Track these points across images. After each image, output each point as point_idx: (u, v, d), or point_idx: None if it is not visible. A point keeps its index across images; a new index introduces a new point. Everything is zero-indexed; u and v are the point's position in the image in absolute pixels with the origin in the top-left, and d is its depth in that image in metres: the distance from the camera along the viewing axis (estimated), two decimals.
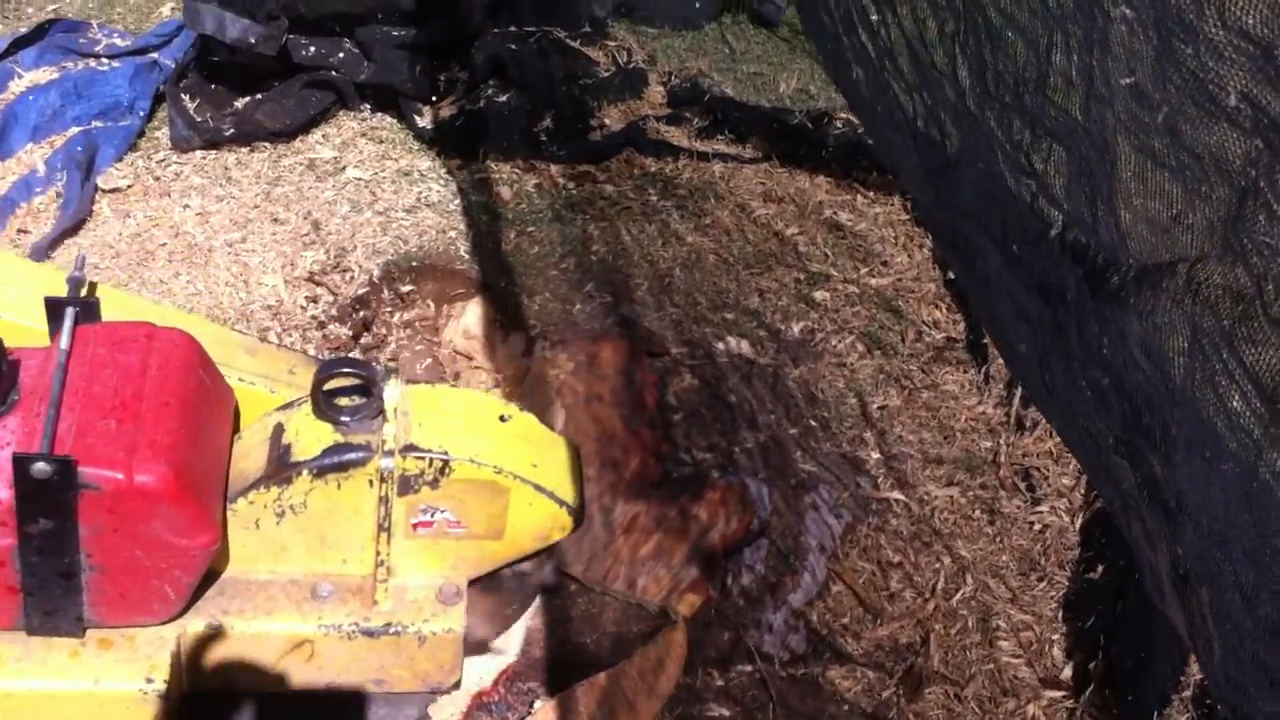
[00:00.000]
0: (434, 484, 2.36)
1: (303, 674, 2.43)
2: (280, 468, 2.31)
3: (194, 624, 2.33)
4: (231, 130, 4.42)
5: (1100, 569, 3.29)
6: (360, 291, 3.88)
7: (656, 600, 3.13)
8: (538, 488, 2.44)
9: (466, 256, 4.10)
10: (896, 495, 3.51)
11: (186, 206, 4.16)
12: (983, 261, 2.18)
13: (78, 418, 2.11)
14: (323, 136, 4.56)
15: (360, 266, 3.97)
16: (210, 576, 2.37)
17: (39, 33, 4.75)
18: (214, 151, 4.41)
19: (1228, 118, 1.30)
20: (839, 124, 4.88)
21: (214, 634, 2.34)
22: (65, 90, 4.44)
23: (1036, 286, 1.91)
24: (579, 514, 2.53)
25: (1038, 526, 3.47)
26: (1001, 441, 3.69)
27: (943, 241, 2.51)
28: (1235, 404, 1.36)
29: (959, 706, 3.04)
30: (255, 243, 4.03)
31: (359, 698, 2.52)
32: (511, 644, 2.93)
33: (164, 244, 3.99)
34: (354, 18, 4.46)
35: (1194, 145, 1.37)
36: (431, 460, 2.34)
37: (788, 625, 3.16)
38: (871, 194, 4.59)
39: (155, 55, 4.63)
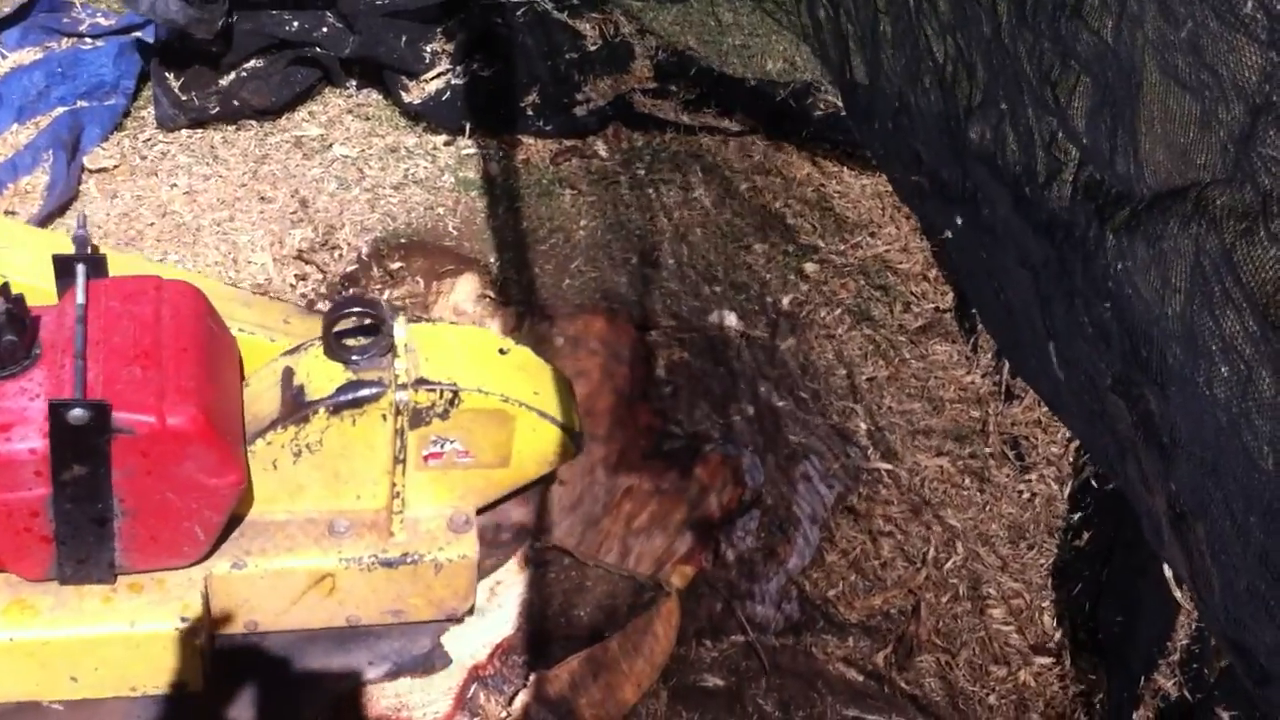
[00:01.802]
0: (444, 415, 2.42)
1: (324, 609, 2.50)
2: (296, 407, 2.36)
3: (219, 565, 2.38)
4: (217, 109, 4.40)
5: (1086, 535, 3.32)
6: (349, 269, 3.89)
7: (650, 572, 3.15)
8: (541, 414, 2.51)
9: (455, 233, 4.10)
10: (887, 465, 3.53)
11: (174, 185, 4.15)
12: (990, 210, 2.22)
13: (103, 367, 2.14)
14: (309, 114, 4.55)
15: (349, 244, 3.98)
16: (232, 521, 2.42)
17: (22, 13, 4.72)
18: (200, 130, 4.40)
19: (1245, 29, 1.33)
20: (825, 97, 4.88)
21: (238, 574, 2.39)
22: (50, 70, 4.42)
23: (1045, 227, 1.95)
24: (579, 439, 2.61)
25: (1027, 495, 3.50)
26: (990, 411, 3.71)
27: (946, 198, 2.54)
28: (1230, 324, 1.39)
29: (950, 674, 3.07)
30: (243, 221, 4.03)
31: (375, 632, 2.61)
32: (506, 617, 2.96)
33: (151, 223, 3.99)
34: None
35: (1214, 62, 1.40)
36: (442, 392, 2.40)
37: (780, 595, 3.18)
38: (858, 167, 4.59)
39: (139, 34, 4.60)
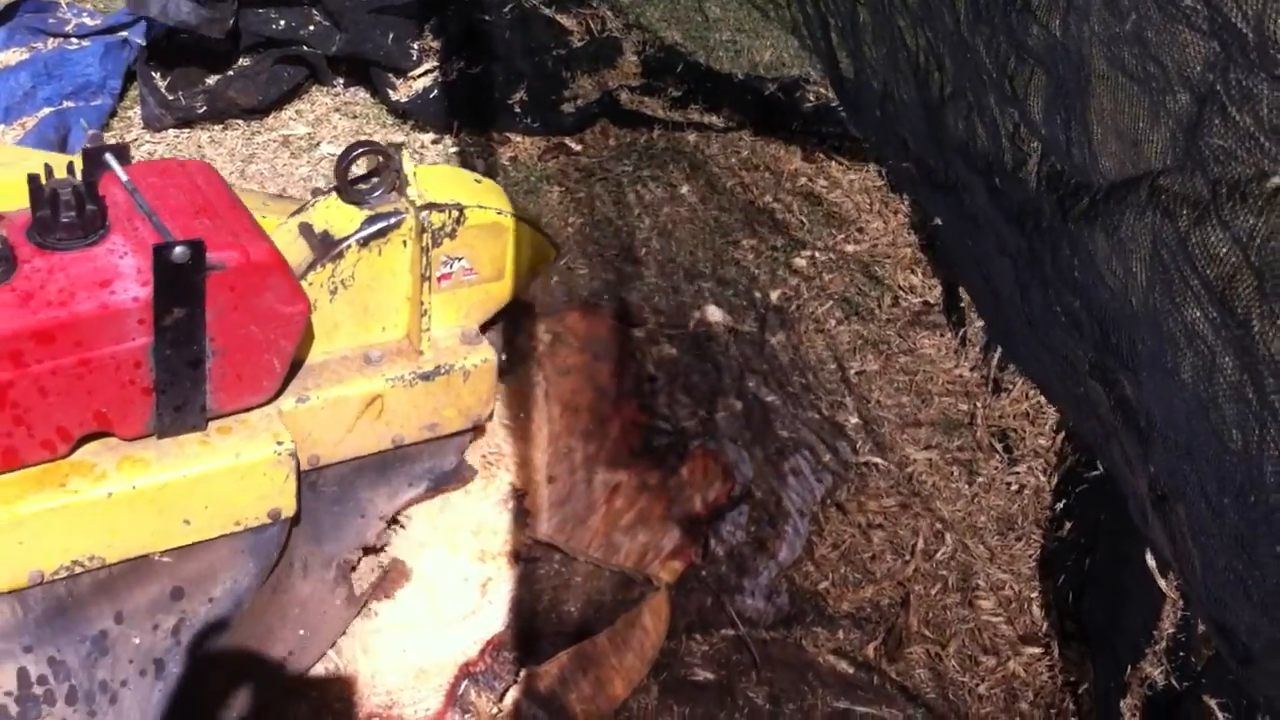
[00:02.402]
0: (452, 234, 2.61)
1: (374, 432, 2.67)
2: (328, 247, 2.53)
3: (286, 403, 2.53)
4: (204, 108, 4.40)
5: (1070, 526, 3.34)
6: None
7: (639, 567, 3.16)
8: (530, 222, 2.74)
9: None
10: (876, 459, 3.54)
11: None
12: (970, 200, 2.23)
13: (173, 223, 2.25)
14: (296, 113, 4.55)
15: None
16: (292, 365, 2.56)
17: (8, 13, 4.71)
18: (187, 130, 4.40)
19: (1186, 19, 1.34)
20: (813, 92, 4.89)
21: (303, 407, 2.55)
22: (36, 71, 4.42)
23: (1016, 217, 1.96)
24: (557, 245, 2.88)
25: (1015, 486, 3.51)
26: (979, 404, 3.72)
27: (933, 184, 2.56)
28: (1190, 311, 1.41)
29: (940, 665, 3.08)
30: None
31: (409, 455, 2.79)
32: (496, 614, 2.96)
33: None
34: None
35: (1158, 53, 1.42)
36: (449, 211, 2.59)
37: (770, 588, 3.19)
38: (846, 161, 4.60)
39: (125, 34, 4.60)
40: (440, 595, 2.91)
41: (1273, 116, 1.24)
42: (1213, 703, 2.67)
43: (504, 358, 2.98)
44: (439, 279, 2.66)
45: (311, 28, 4.48)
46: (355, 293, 2.61)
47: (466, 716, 2.84)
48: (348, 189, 2.59)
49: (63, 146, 4.17)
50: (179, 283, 2.18)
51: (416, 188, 2.60)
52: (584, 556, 3.17)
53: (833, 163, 4.60)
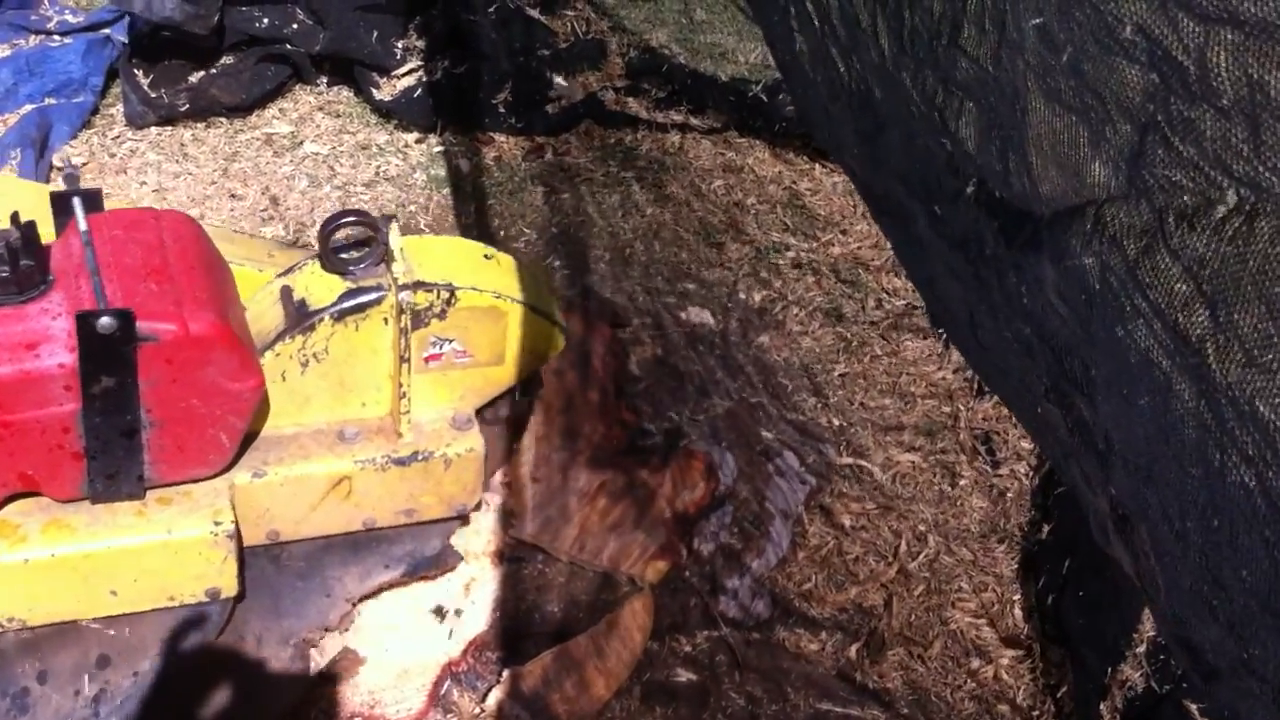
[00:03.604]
0: (441, 315, 2.49)
1: (341, 513, 2.56)
2: (302, 318, 2.43)
3: (240, 476, 2.43)
4: (186, 106, 4.38)
5: (1058, 531, 3.35)
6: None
7: (622, 568, 3.16)
8: (532, 308, 2.60)
9: (427, 230, 4.09)
10: (859, 461, 3.55)
11: (143, 183, 4.13)
12: (914, 224, 2.24)
13: (118, 285, 2.18)
14: (279, 111, 4.54)
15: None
16: (248, 437, 2.46)
17: None
18: (169, 128, 4.38)
19: (1125, 52, 1.34)
20: None
21: (259, 482, 2.45)
22: (17, 68, 4.39)
23: (959, 244, 1.96)
24: (565, 330, 2.74)
25: (997, 489, 3.52)
26: (961, 406, 3.73)
27: (880, 210, 2.57)
28: (1143, 338, 1.41)
29: (922, 667, 3.09)
30: (213, 219, 4.01)
31: (387, 537, 2.68)
32: (480, 614, 2.96)
33: None
34: None
35: (1096, 84, 1.41)
36: (438, 291, 2.47)
37: (752, 591, 3.19)
38: (829, 164, 4.61)
39: (108, 31, 4.58)
40: (423, 595, 2.91)
41: (1216, 146, 1.24)
42: (1193, 707, 2.69)
43: (510, 414, 2.88)
44: (426, 359, 2.54)
45: (295, 26, 4.47)
46: (329, 367, 2.49)
47: (449, 716, 2.84)
48: (330, 257, 2.48)
49: (44, 144, 4.14)
50: (106, 353, 2.10)
51: (405, 262, 2.49)
52: (567, 557, 3.17)
53: (816, 165, 4.61)
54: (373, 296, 2.43)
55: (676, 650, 3.04)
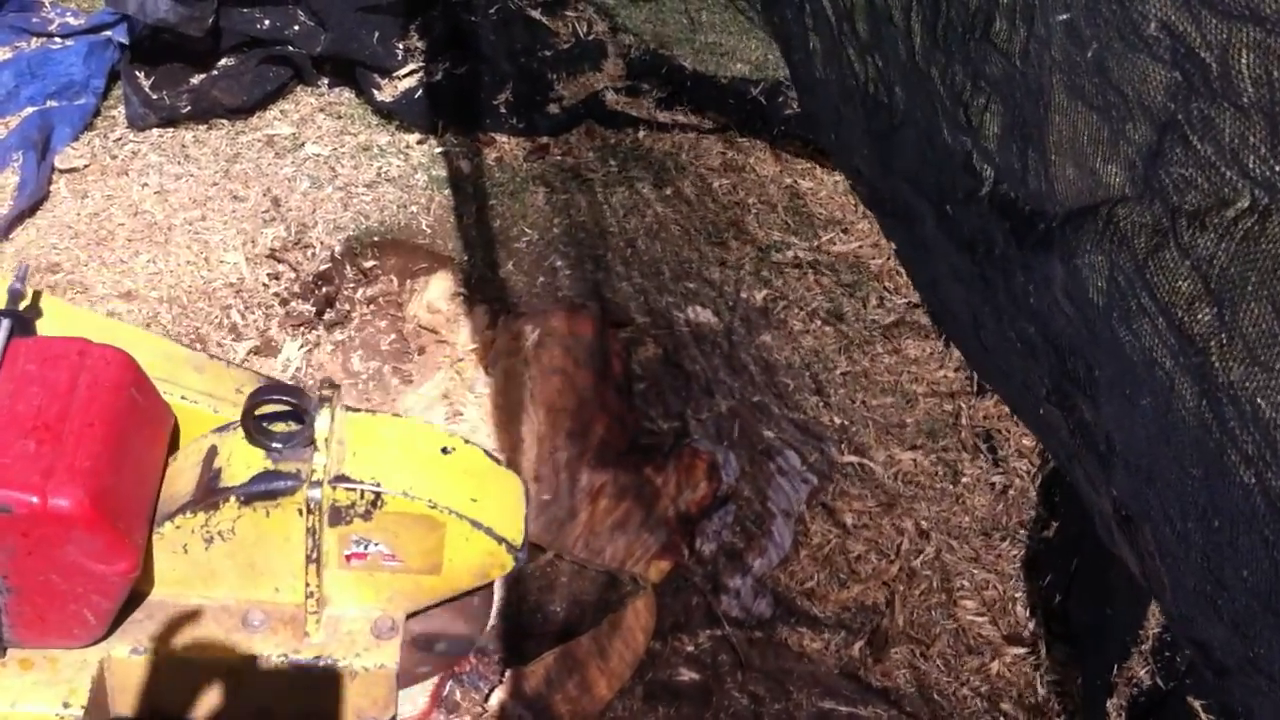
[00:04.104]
0: (366, 516, 2.30)
1: (233, 704, 2.39)
2: (208, 493, 2.26)
3: (119, 648, 2.29)
4: (188, 107, 4.39)
5: (1056, 526, 3.35)
6: (322, 267, 3.88)
7: (625, 567, 3.16)
8: (475, 524, 2.36)
9: (428, 231, 4.10)
10: (860, 460, 3.55)
11: (145, 185, 4.13)
12: (920, 226, 2.23)
13: None
14: (280, 112, 4.54)
15: (322, 242, 3.97)
16: (136, 599, 2.33)
17: None
18: (171, 129, 4.38)
19: (1149, 49, 1.34)
20: (795, 96, 4.89)
21: (137, 659, 2.29)
22: (19, 70, 4.39)
23: (967, 245, 1.96)
24: (519, 551, 2.44)
25: (999, 487, 3.52)
26: (962, 405, 3.73)
27: (884, 212, 2.56)
28: (1148, 338, 1.40)
29: (924, 665, 3.08)
30: (215, 220, 4.02)
31: None
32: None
33: (123, 223, 3.97)
34: None
35: (1120, 82, 1.41)
36: (363, 492, 2.28)
37: (755, 589, 3.19)
38: (830, 164, 4.61)
39: (109, 33, 4.58)
40: None
41: (1234, 145, 1.24)
42: (1196, 704, 2.68)
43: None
44: (349, 557, 2.34)
45: (296, 27, 4.47)
46: (236, 547, 2.30)
47: (452, 717, 2.84)
48: (255, 429, 2.28)
49: (46, 146, 4.14)
50: None
51: (335, 452, 2.28)
52: (569, 557, 3.17)
53: (816, 165, 4.61)
54: (285, 485, 2.25)
55: (679, 650, 3.04)
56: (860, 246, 4.28)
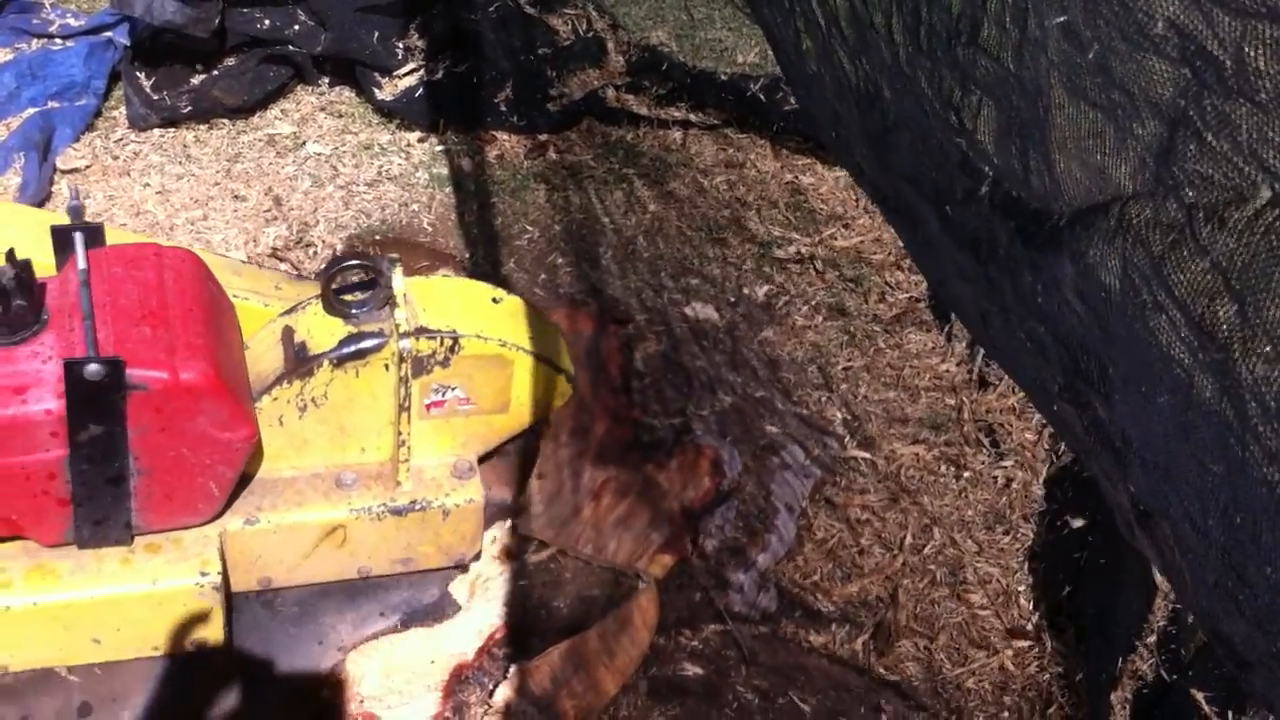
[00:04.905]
0: (445, 363, 2.45)
1: (336, 561, 2.53)
2: (300, 362, 2.38)
3: (232, 522, 2.40)
4: (189, 108, 4.39)
5: (1064, 520, 3.35)
6: (324, 267, 3.88)
7: (628, 563, 3.16)
8: (538, 357, 2.56)
9: (430, 229, 4.10)
10: (863, 454, 3.55)
11: (146, 185, 4.13)
12: (924, 226, 2.23)
13: (112, 328, 2.15)
14: (281, 112, 4.54)
15: (323, 241, 3.97)
16: (243, 479, 2.44)
17: None
18: (172, 129, 4.38)
19: (1155, 48, 1.33)
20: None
21: (251, 530, 2.41)
22: (20, 71, 4.40)
23: (969, 245, 1.95)
24: (573, 379, 2.69)
25: (1002, 480, 3.52)
26: (965, 399, 3.73)
27: (888, 209, 2.56)
28: (1166, 335, 1.40)
29: (929, 659, 3.09)
30: (217, 220, 4.02)
31: (384, 584, 2.65)
32: (487, 611, 2.96)
33: (124, 223, 3.98)
34: None
35: (1124, 81, 1.40)
36: (442, 339, 2.43)
37: (758, 584, 3.20)
38: (830, 159, 4.61)
39: (110, 34, 4.58)
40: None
41: (1252, 140, 1.23)
42: (1200, 696, 2.68)
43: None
44: (428, 406, 2.49)
45: (297, 27, 4.48)
46: (328, 412, 2.44)
47: (456, 715, 2.84)
48: (332, 300, 2.43)
49: (47, 147, 4.15)
50: (94, 401, 2.07)
51: (409, 309, 2.43)
52: (573, 553, 3.17)
53: (817, 161, 4.61)
54: (374, 343, 2.39)
55: (683, 645, 3.04)
56: (862, 241, 4.28)
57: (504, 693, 2.86)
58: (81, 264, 2.23)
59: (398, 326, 2.40)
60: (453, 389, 2.49)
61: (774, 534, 3.31)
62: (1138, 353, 1.46)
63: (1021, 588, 3.26)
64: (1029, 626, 3.17)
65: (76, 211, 2.38)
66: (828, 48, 2.40)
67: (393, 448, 2.52)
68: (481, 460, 2.69)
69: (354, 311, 2.43)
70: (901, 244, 4.20)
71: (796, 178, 4.53)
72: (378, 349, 2.39)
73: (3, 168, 4.08)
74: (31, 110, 4.30)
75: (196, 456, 2.22)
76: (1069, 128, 1.56)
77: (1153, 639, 3.02)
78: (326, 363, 2.38)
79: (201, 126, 4.41)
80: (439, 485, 2.56)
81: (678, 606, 3.11)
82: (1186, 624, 2.89)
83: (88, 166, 4.19)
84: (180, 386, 2.12)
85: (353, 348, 2.38)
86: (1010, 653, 3.10)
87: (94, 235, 2.32)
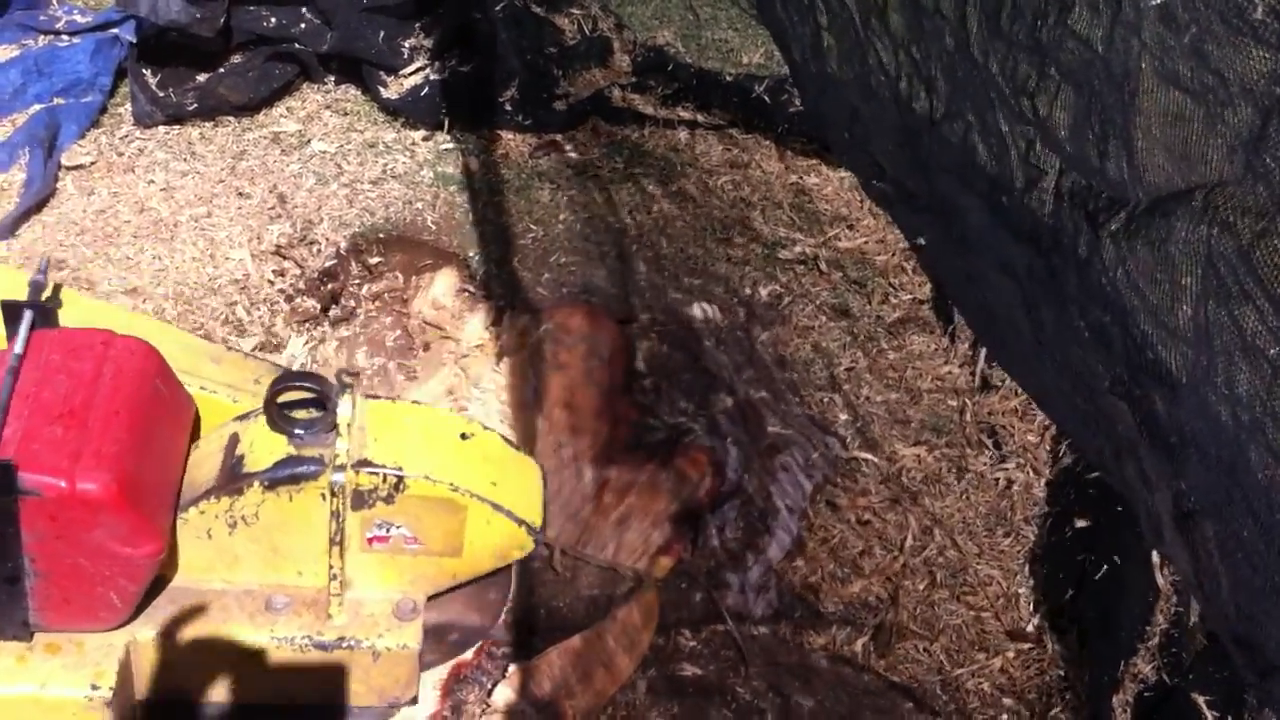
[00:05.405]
0: (389, 499, 2.33)
1: (257, 685, 2.41)
2: (232, 478, 2.29)
3: (144, 631, 2.31)
4: (194, 105, 4.39)
5: (1068, 524, 3.34)
6: (328, 264, 3.88)
7: (630, 563, 3.16)
8: (495, 506, 2.39)
9: (434, 227, 4.10)
10: (865, 455, 3.55)
11: (151, 182, 4.14)
12: (961, 221, 2.21)
13: (25, 423, 2.08)
14: (286, 110, 4.55)
15: (327, 239, 3.97)
16: (161, 584, 2.35)
17: None
18: (177, 126, 4.39)
19: (1254, 33, 1.32)
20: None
21: (164, 642, 2.31)
22: (26, 68, 4.40)
23: (1028, 236, 1.93)
24: (538, 533, 2.48)
25: (1004, 483, 3.51)
26: (967, 401, 3.73)
27: (913, 208, 2.54)
28: (1251, 323, 1.38)
29: (929, 659, 3.08)
30: (221, 217, 4.02)
31: (320, 708, 2.50)
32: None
33: (129, 220, 3.98)
34: None
35: (1219, 66, 1.39)
36: (385, 476, 2.31)
37: (760, 585, 3.19)
38: (835, 160, 4.61)
39: (116, 31, 4.58)
40: None
41: None
42: (1201, 700, 2.68)
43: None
44: (371, 540, 2.37)
45: (303, 25, 4.48)
46: (260, 531, 2.33)
47: (455, 713, 2.84)
48: (277, 416, 2.32)
49: (52, 144, 4.15)
50: None
51: (357, 438, 2.31)
52: (574, 553, 3.17)
53: (821, 162, 4.61)
54: (309, 469, 2.28)
55: (682, 645, 3.04)
56: (866, 242, 4.28)
57: (503, 692, 2.86)
58: (17, 349, 2.17)
59: (336, 457, 2.29)
60: (397, 527, 2.37)
61: (775, 535, 3.30)
62: (1216, 342, 1.45)
63: (1023, 590, 3.26)
64: (1030, 629, 3.17)
65: (37, 287, 2.32)
66: (859, 44, 2.38)
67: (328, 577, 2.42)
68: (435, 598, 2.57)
69: (298, 431, 2.32)
70: (907, 246, 4.20)
71: (801, 179, 4.53)
72: (312, 476, 2.28)
73: (8, 164, 4.08)
74: (37, 106, 4.31)
75: (95, 567, 2.15)
76: (1155, 113, 1.55)
77: (1155, 642, 3.01)
78: (258, 483, 2.28)
79: (207, 124, 4.42)
80: (375, 623, 2.42)
81: (678, 606, 3.11)
82: (1188, 628, 2.88)
83: (93, 163, 4.19)
84: (75, 497, 2.05)
85: (286, 472, 2.28)
86: (1011, 654, 3.10)
87: (45, 315, 2.27)
